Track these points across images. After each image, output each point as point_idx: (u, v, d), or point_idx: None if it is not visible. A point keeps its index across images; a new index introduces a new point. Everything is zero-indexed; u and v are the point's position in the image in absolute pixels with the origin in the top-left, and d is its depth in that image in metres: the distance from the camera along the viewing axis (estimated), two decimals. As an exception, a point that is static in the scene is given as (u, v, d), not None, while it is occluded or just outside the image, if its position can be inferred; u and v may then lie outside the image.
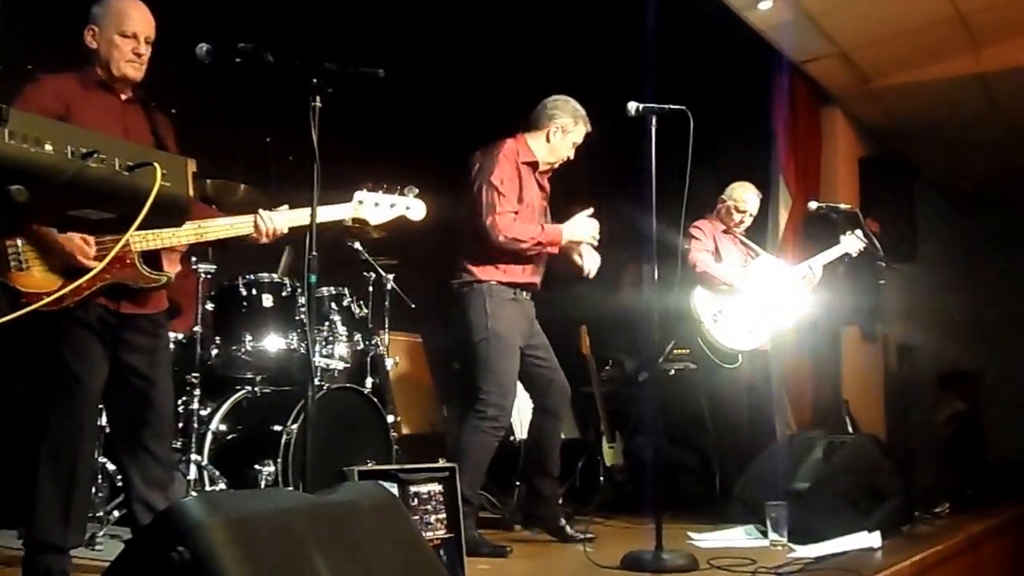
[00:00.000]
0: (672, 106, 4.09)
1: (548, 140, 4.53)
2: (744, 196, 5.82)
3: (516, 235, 4.33)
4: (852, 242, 5.68)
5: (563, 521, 4.62)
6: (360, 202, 3.69)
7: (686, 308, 5.56)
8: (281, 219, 3.48)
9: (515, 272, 4.43)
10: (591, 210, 4.54)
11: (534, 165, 4.53)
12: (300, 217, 3.48)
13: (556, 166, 4.61)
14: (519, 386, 4.57)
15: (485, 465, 4.36)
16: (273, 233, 3.47)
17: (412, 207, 3.81)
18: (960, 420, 7.64)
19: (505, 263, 4.40)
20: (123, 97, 3.40)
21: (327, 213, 3.50)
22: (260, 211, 3.47)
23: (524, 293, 4.49)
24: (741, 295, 5.58)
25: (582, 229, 4.49)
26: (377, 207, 3.72)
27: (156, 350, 3.40)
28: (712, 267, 5.60)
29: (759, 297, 5.60)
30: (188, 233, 3.29)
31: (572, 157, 4.59)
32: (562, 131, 4.53)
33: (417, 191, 3.81)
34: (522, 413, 5.75)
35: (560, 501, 5.68)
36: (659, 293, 4.27)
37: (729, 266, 5.68)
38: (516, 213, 4.38)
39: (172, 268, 3.40)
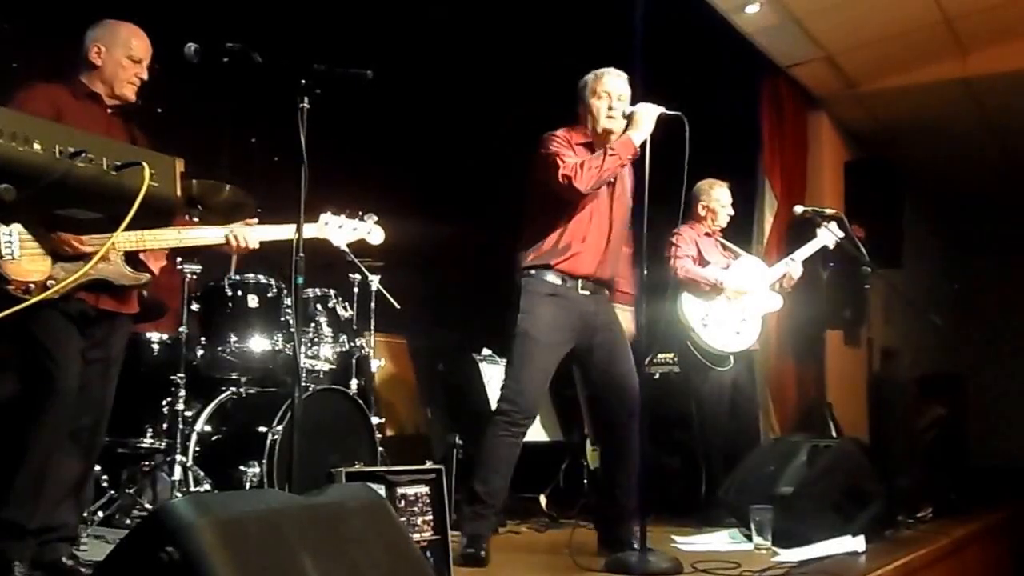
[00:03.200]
0: (669, 111, 4.03)
1: (585, 116, 4.27)
2: (722, 194, 5.84)
3: (585, 172, 4.02)
4: (828, 235, 5.70)
5: (631, 538, 4.02)
6: (325, 223, 3.92)
7: (674, 314, 5.58)
8: (253, 234, 3.67)
9: (566, 259, 4.16)
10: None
11: (589, 146, 4.22)
12: (272, 233, 3.70)
13: (612, 133, 4.19)
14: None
15: (500, 463, 4.10)
16: (244, 247, 3.66)
17: (372, 232, 4.06)
18: (943, 424, 7.68)
19: (558, 250, 4.16)
20: (109, 110, 3.57)
21: (292, 232, 3.53)
22: (232, 227, 3.66)
23: (579, 284, 4.20)
24: (727, 297, 5.59)
25: (645, 116, 4.08)
26: (340, 229, 3.96)
27: (117, 349, 3.54)
28: (695, 270, 5.62)
29: (744, 296, 5.62)
30: (170, 239, 3.49)
31: (613, 108, 4.18)
32: (585, 101, 4.26)
33: (376, 218, 4.05)
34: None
35: (544, 505, 5.71)
36: (648, 297, 4.25)
37: (713, 268, 5.69)
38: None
39: (157, 264, 3.54)
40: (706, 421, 5.75)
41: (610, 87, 4.22)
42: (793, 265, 5.73)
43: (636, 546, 3.95)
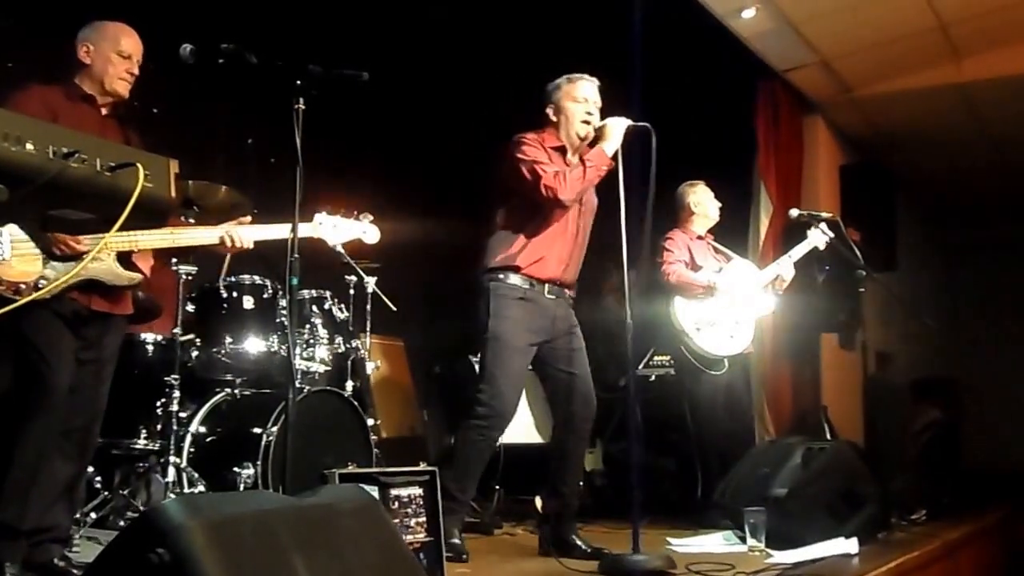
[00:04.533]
0: (637, 123, 4.15)
1: (555, 120, 4.36)
2: (704, 190, 5.87)
3: (569, 184, 4.12)
4: (818, 236, 5.70)
5: (575, 538, 4.31)
6: (320, 223, 3.91)
7: (667, 318, 5.60)
8: (247, 233, 3.66)
9: (533, 263, 4.24)
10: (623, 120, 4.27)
11: (562, 150, 4.33)
12: (267, 232, 3.69)
13: (587, 140, 4.31)
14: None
15: (474, 464, 4.19)
16: (239, 247, 3.65)
17: (367, 231, 4.04)
18: (936, 428, 7.68)
19: (526, 253, 4.23)
20: (103, 112, 3.56)
21: (286, 231, 3.55)
22: (226, 226, 3.65)
23: (546, 288, 4.28)
24: (719, 300, 5.60)
25: (616, 128, 4.21)
26: (335, 228, 3.95)
27: (111, 350, 3.54)
28: (687, 275, 5.62)
29: (736, 300, 5.63)
30: (163, 239, 3.47)
31: (591, 114, 4.30)
32: (559, 105, 4.35)
33: (371, 218, 4.03)
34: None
35: (540, 507, 5.70)
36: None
37: (705, 272, 5.70)
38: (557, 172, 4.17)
39: (146, 265, 3.56)
40: (701, 424, 5.76)
41: (588, 93, 4.34)
42: (784, 266, 5.74)
43: (581, 545, 4.24)
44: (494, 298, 4.22)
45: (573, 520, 4.44)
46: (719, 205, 5.91)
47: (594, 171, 4.18)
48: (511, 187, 4.27)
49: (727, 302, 5.62)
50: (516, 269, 4.24)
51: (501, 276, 4.24)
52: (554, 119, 4.38)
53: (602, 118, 4.31)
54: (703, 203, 5.86)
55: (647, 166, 4.03)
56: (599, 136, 4.26)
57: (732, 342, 5.63)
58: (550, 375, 4.39)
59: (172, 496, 4.24)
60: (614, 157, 4.17)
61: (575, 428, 4.36)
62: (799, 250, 5.77)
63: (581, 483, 4.51)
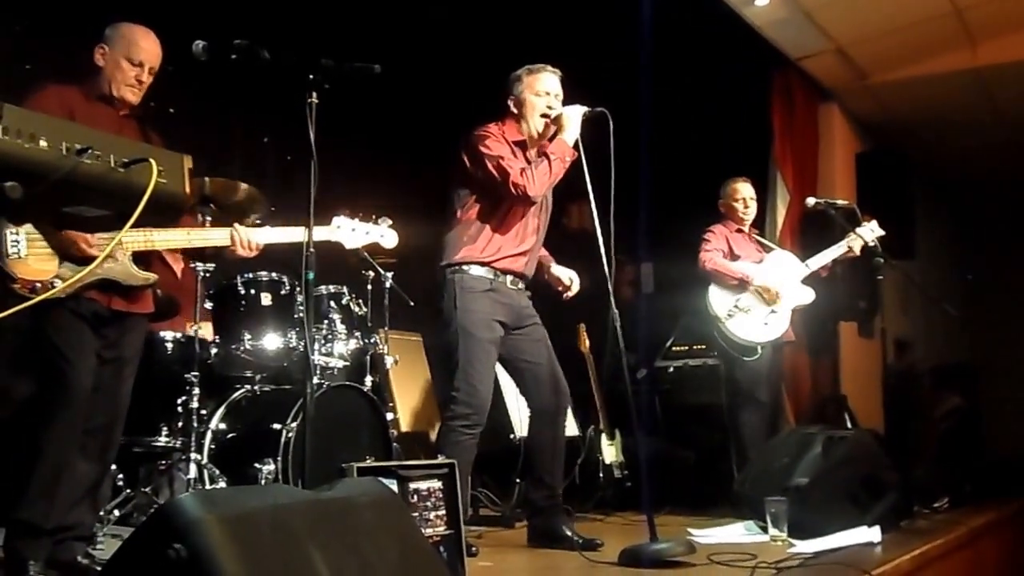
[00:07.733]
0: (593, 109, 4.14)
1: (516, 113, 4.36)
2: (735, 186, 5.93)
3: (536, 179, 4.12)
4: (857, 240, 5.70)
5: (565, 529, 4.30)
6: (338, 226, 3.92)
7: (704, 307, 5.68)
8: (258, 235, 3.67)
9: (496, 259, 4.23)
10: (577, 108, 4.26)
11: (523, 144, 4.32)
12: (281, 235, 3.71)
13: (547, 133, 4.31)
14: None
15: (466, 466, 4.11)
16: (249, 247, 3.65)
17: (385, 235, 4.06)
18: (957, 415, 7.64)
19: (489, 248, 4.22)
20: (121, 113, 3.54)
21: (300, 235, 3.56)
22: (236, 226, 3.65)
23: (508, 279, 4.28)
24: (755, 290, 5.62)
25: (572, 117, 4.21)
26: (353, 232, 3.96)
27: (132, 349, 3.55)
28: (722, 264, 5.67)
29: (772, 291, 5.64)
30: (179, 239, 3.50)
31: (552, 108, 4.28)
32: (520, 97, 4.34)
33: (390, 221, 4.05)
34: (522, 410, 5.76)
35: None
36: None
37: (743, 262, 5.73)
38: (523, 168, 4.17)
39: (178, 265, 3.56)
40: (740, 409, 5.74)
41: (549, 86, 4.33)
42: (825, 259, 5.76)
43: (573, 536, 4.19)
44: (460, 291, 4.18)
45: (562, 511, 4.43)
46: (746, 207, 5.90)
47: (559, 163, 4.17)
48: (475, 181, 4.25)
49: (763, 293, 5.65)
50: (479, 262, 4.22)
51: (465, 268, 4.22)
52: (515, 111, 4.37)
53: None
54: (730, 203, 5.90)
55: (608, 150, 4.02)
56: (556, 127, 4.26)
57: (767, 329, 5.66)
58: (518, 368, 4.39)
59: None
60: (575, 146, 4.17)
61: (550, 418, 4.37)
62: (840, 247, 5.76)
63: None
